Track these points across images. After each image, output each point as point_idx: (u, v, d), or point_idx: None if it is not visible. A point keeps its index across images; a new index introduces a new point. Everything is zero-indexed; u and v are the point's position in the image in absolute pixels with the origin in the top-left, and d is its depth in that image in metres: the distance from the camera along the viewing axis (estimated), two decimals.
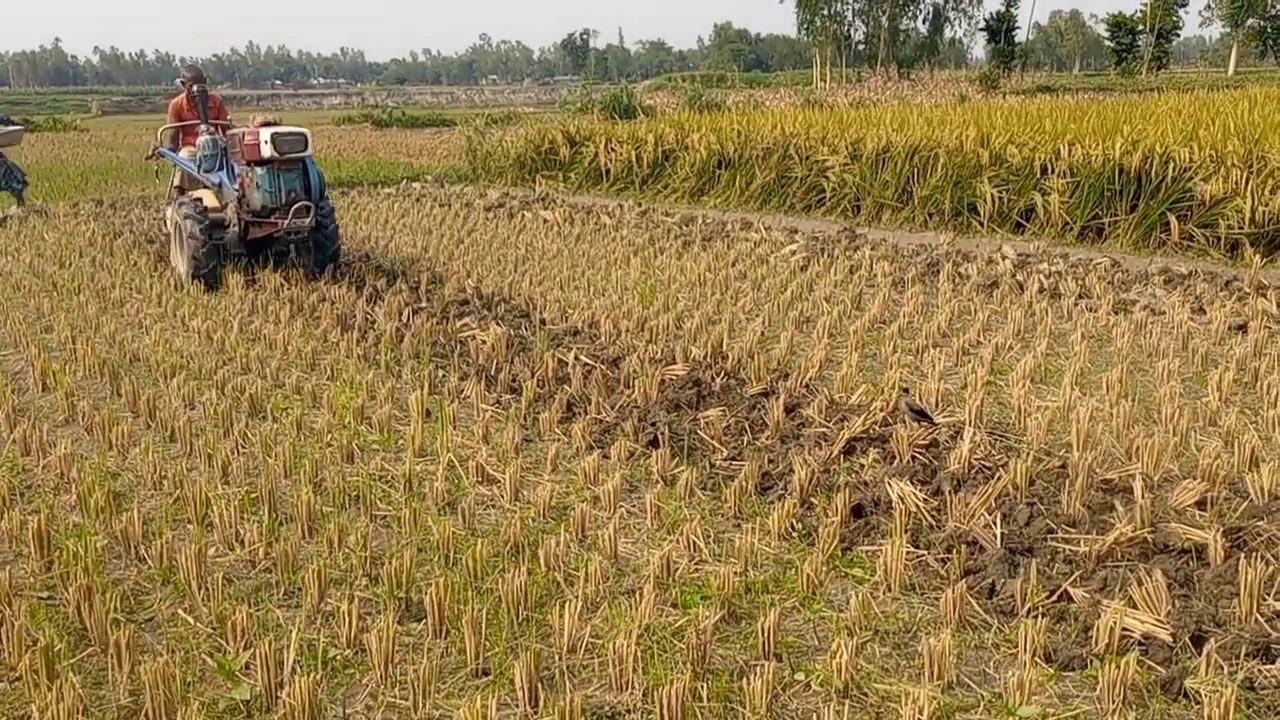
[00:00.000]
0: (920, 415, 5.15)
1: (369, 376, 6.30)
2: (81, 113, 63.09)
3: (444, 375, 6.36)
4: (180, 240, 9.49)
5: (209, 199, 9.61)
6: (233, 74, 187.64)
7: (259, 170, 9.08)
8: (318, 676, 3.09)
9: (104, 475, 4.85)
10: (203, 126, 10.21)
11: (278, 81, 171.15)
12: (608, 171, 16.77)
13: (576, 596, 3.60)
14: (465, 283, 9.10)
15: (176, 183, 10.82)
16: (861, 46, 78.44)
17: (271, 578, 3.89)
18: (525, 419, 5.58)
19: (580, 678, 3.23)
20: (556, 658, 3.32)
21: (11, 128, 15.69)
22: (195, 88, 10.63)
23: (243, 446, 5.26)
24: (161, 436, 5.48)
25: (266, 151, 8.93)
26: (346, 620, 3.44)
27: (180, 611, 3.66)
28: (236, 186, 9.30)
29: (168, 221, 10.54)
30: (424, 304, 8.29)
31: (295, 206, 9.08)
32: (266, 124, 9.23)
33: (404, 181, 18.29)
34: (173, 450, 5.29)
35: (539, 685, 3.09)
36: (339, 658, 3.36)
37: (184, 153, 10.64)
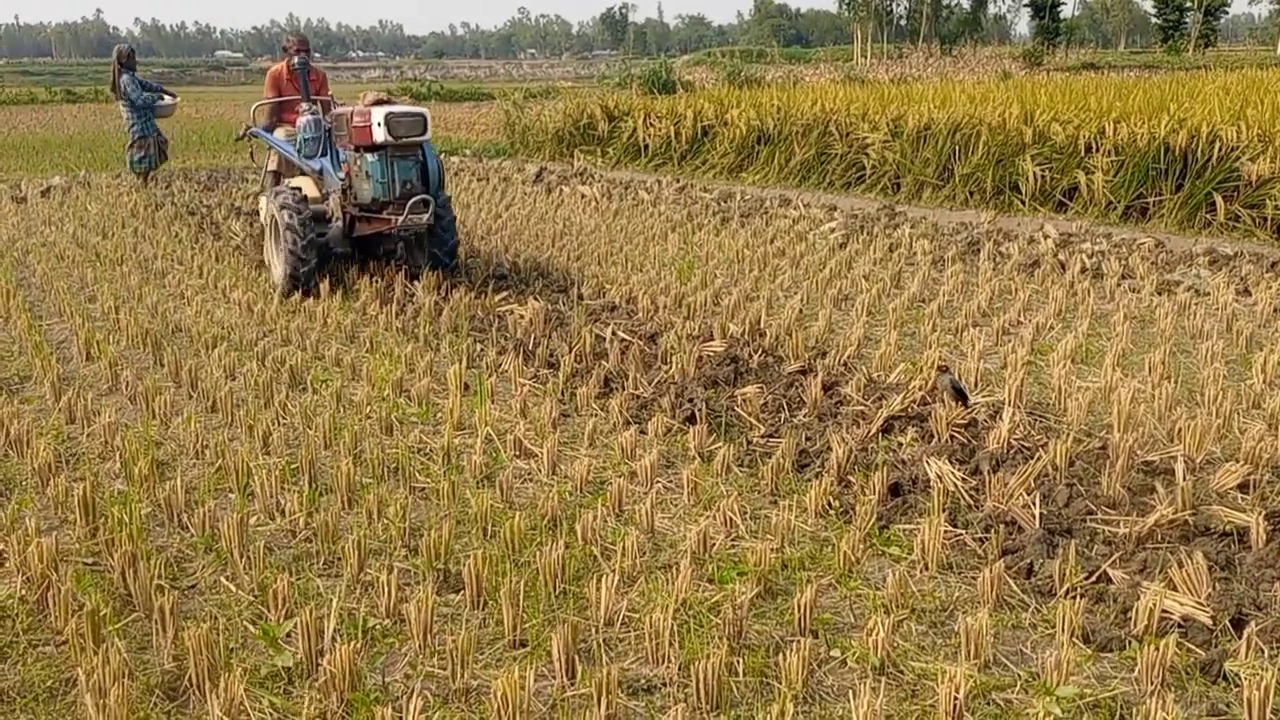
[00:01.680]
0: (959, 394, 5.12)
1: (408, 350, 6.34)
2: None
3: (482, 349, 6.39)
4: (276, 236, 8.12)
5: (309, 188, 8.47)
6: (272, 47, 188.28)
7: (369, 157, 7.65)
8: (357, 645, 3.12)
9: (147, 444, 4.91)
10: (304, 105, 8.79)
11: (317, 54, 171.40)
12: (646, 147, 16.73)
13: (613, 570, 3.61)
14: (503, 257, 9.12)
15: (272, 168, 9.66)
16: (903, 22, 77.82)
17: (312, 547, 3.93)
18: (563, 394, 5.59)
19: (617, 650, 3.25)
20: (593, 630, 3.34)
21: (168, 100, 15.48)
22: (298, 58, 9.25)
23: (283, 417, 5.31)
24: (203, 406, 5.53)
25: (379, 135, 7.48)
26: (386, 590, 3.47)
27: (222, 579, 3.71)
28: (342, 175, 8.06)
29: (262, 214, 9.04)
30: (462, 278, 8.32)
31: (412, 200, 7.58)
32: (379, 102, 7.87)
33: (440, 155, 18.30)
34: (214, 420, 5.35)
35: (576, 657, 3.11)
36: (378, 627, 3.40)
37: (280, 133, 9.63)
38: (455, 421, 5.16)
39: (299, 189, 8.18)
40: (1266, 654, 3.09)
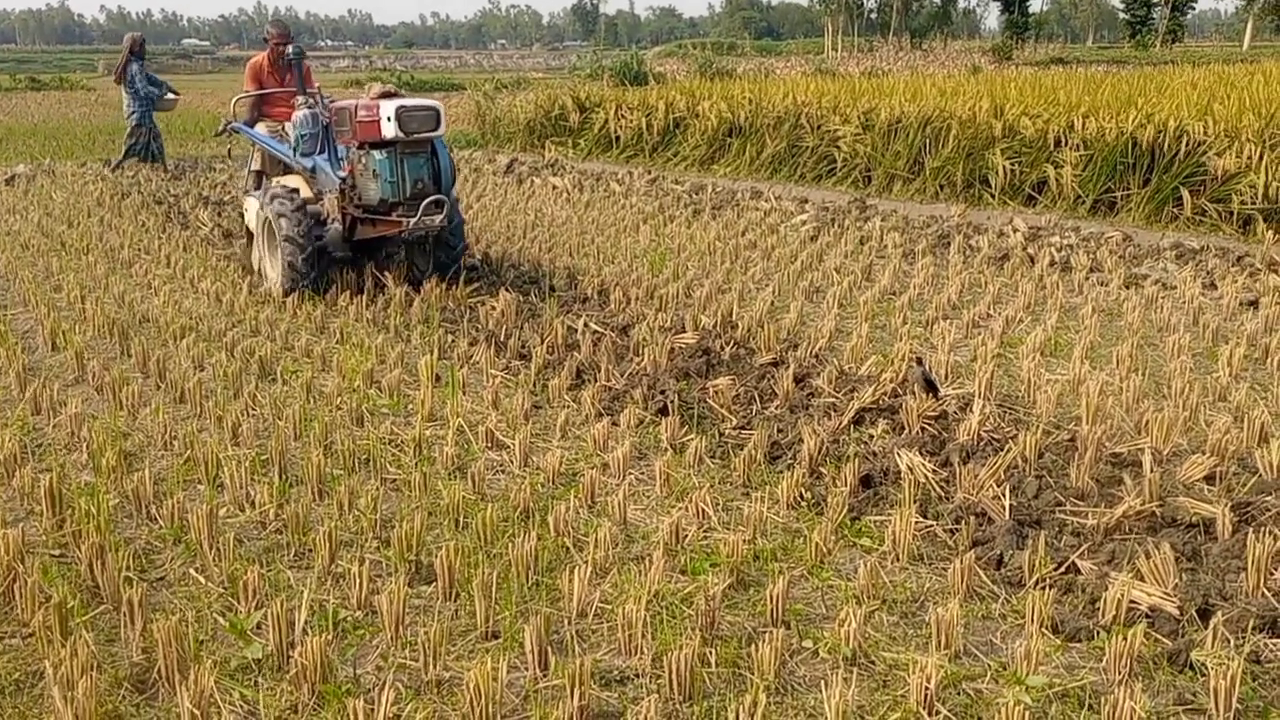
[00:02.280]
0: (930, 386, 5.14)
1: (378, 341, 6.32)
2: (88, 72, 62.88)
3: (453, 341, 6.36)
4: (271, 241, 7.60)
5: (301, 188, 7.85)
6: (240, 35, 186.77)
7: (377, 155, 7.07)
8: (329, 637, 3.11)
9: (115, 435, 4.86)
10: (300, 98, 8.01)
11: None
12: (618, 138, 16.71)
13: (586, 562, 3.61)
14: (474, 248, 9.09)
15: (256, 166, 8.99)
16: (874, 15, 78.09)
17: (282, 539, 3.91)
18: (535, 385, 5.58)
19: (590, 642, 3.25)
20: (566, 622, 3.34)
21: (170, 95, 15.57)
22: (290, 48, 8.32)
23: (252, 409, 5.27)
24: (171, 397, 5.49)
25: (389, 130, 6.93)
26: (357, 582, 3.46)
27: (192, 571, 3.68)
28: (343, 173, 7.43)
29: (248, 216, 8.44)
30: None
31: (426, 201, 7.07)
32: (386, 94, 7.34)
33: None
34: (183, 411, 5.30)
35: (549, 648, 3.11)
36: (350, 619, 3.38)
37: (262, 127, 9.04)
38: (426, 413, 5.14)
39: (295, 191, 7.59)
40: (1232, 644, 3.13)
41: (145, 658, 3.14)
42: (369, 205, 7.28)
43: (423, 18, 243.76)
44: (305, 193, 7.72)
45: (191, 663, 3.02)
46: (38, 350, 6.39)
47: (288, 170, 8.38)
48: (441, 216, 7.18)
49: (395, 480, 4.45)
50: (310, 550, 3.79)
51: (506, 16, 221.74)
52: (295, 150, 7.94)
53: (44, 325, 6.65)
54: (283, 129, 8.66)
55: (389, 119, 6.91)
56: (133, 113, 15.05)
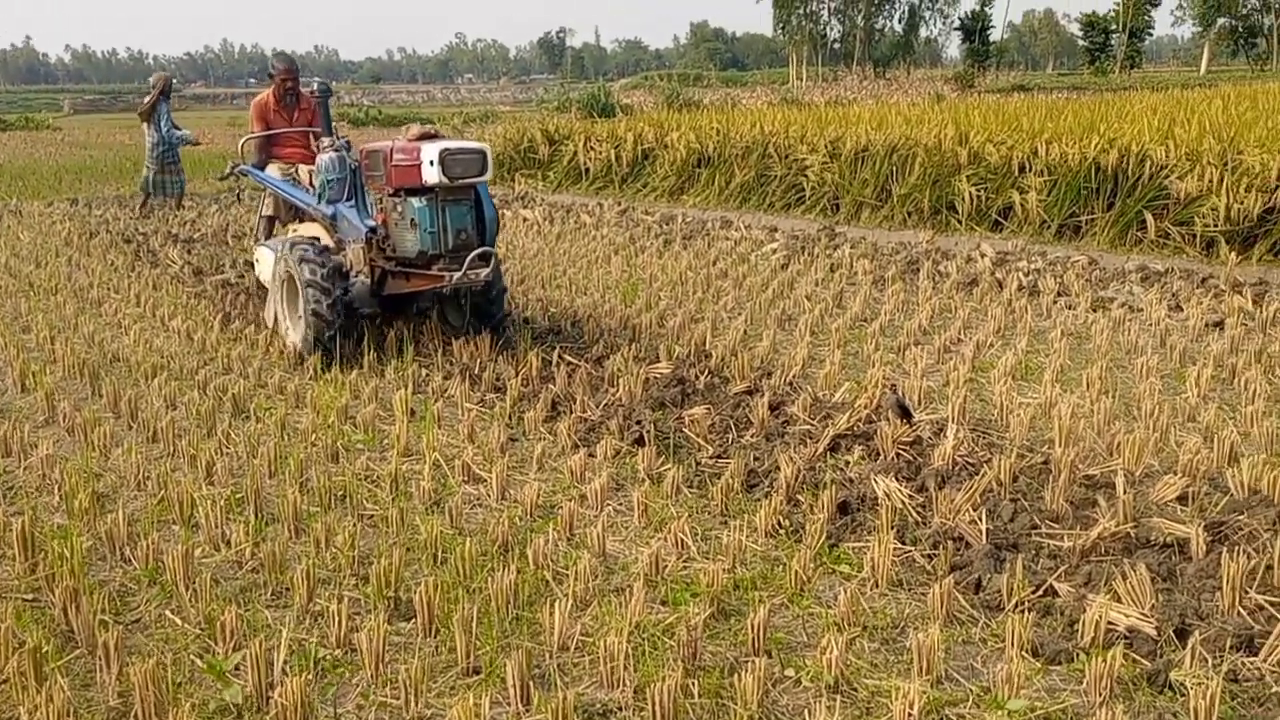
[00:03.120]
0: (904, 412, 5.17)
1: (352, 376, 6.29)
2: (54, 111, 62.63)
3: (427, 374, 6.35)
4: (290, 294, 6.95)
5: (322, 236, 7.29)
6: (206, 72, 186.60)
7: (415, 202, 6.39)
8: (308, 677, 3.09)
9: (87, 476, 4.82)
10: (326, 139, 7.30)
11: (252, 80, 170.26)
12: (587, 170, 16.77)
13: (566, 595, 3.61)
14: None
15: (268, 212, 8.61)
16: (837, 45, 78.81)
17: (259, 578, 3.88)
18: (510, 418, 5.58)
19: (572, 675, 3.24)
20: (547, 656, 3.33)
21: (184, 133, 15.61)
22: (316, 86, 7.64)
23: (226, 447, 5.24)
24: (144, 437, 5.45)
25: (431, 176, 6.28)
26: (336, 620, 3.43)
27: (168, 612, 3.65)
28: (372, 222, 6.82)
29: (260, 268, 7.76)
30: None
31: (473, 254, 6.36)
32: (425, 135, 6.59)
33: None
34: (155, 451, 5.27)
35: (530, 683, 3.09)
36: (329, 658, 3.36)
37: (273, 169, 8.40)
38: (402, 448, 5.13)
39: (316, 239, 7.01)
40: (1210, 663, 3.15)
41: (122, 702, 3.11)
42: (405, 258, 6.61)
43: (389, 53, 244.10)
44: (325, 242, 7.14)
45: (169, 706, 2.99)
46: (7, 392, 6.33)
47: (301, 216, 7.96)
48: (488, 271, 6.49)
49: (372, 516, 4.43)
50: (288, 589, 3.76)
51: (473, 51, 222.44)
52: (320, 196, 7.25)
53: (13, 366, 6.60)
54: (295, 171, 8.22)
55: (431, 163, 6.26)
56: (162, 152, 15.04)
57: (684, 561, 3.93)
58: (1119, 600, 3.46)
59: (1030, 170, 11.15)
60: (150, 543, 4.00)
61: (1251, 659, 3.17)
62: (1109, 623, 3.34)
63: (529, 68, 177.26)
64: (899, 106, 20.28)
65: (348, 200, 7.08)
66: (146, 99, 15.23)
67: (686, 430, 5.23)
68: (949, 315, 7.68)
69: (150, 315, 8.22)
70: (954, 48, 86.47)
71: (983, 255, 9.88)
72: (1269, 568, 3.60)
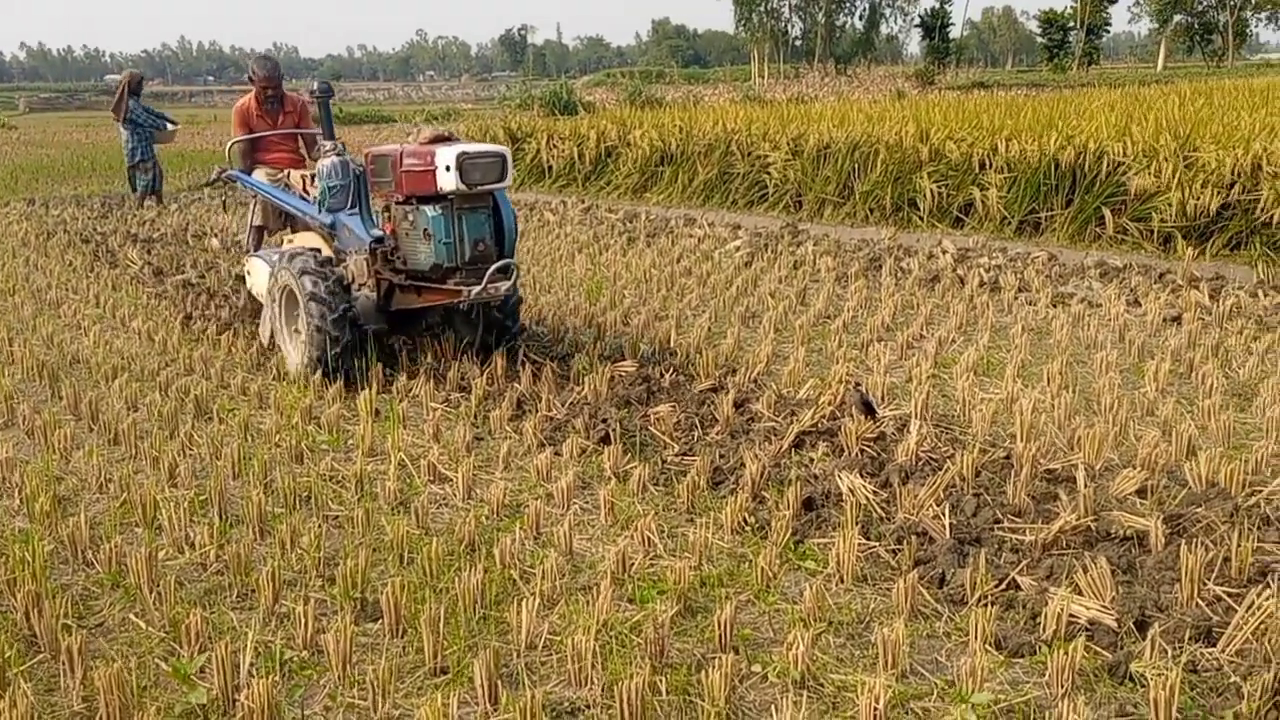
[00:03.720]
0: (868, 408, 5.21)
1: (316, 376, 6.26)
2: (9, 110, 61.75)
3: (392, 374, 6.32)
4: (287, 310, 6.48)
5: (322, 247, 6.73)
6: (164, 70, 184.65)
7: (429, 210, 5.94)
8: (275, 678, 3.08)
9: (48, 479, 4.77)
10: (328, 143, 6.71)
11: (210, 78, 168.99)
12: (550, 168, 16.76)
13: (533, 594, 3.61)
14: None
15: (258, 221, 8.14)
16: (799, 42, 79.15)
17: (224, 580, 3.86)
18: (476, 417, 5.57)
19: (539, 674, 3.25)
20: (515, 655, 3.33)
21: (170, 126, 15.56)
22: (317, 87, 6.86)
23: (189, 448, 5.20)
24: (105, 440, 5.40)
25: (448, 182, 5.82)
26: (302, 621, 3.42)
27: (132, 616, 3.62)
28: (379, 232, 6.30)
29: (253, 281, 7.26)
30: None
31: (494, 268, 5.93)
32: (439, 138, 6.17)
33: None
34: (117, 453, 5.22)
35: (498, 683, 3.09)
36: (296, 659, 3.35)
37: (260, 175, 7.88)
38: (367, 448, 5.11)
39: (317, 250, 6.55)
40: (1169, 654, 3.20)
41: (86, 707, 3.09)
42: (417, 271, 6.15)
43: (350, 50, 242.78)
44: (325, 253, 6.64)
45: (134, 710, 2.97)
46: None
47: (293, 225, 7.53)
48: (509, 285, 6.07)
49: (338, 517, 4.42)
50: (253, 591, 3.75)
51: (434, 48, 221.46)
52: (321, 204, 6.63)
53: None
54: (284, 176, 7.72)
55: (448, 168, 5.80)
56: (134, 148, 15.08)
57: (651, 559, 3.94)
58: (1080, 593, 3.50)
59: (990, 167, 11.25)
60: (113, 546, 3.97)
61: (1210, 649, 3.22)
62: (1070, 615, 3.38)
63: (491, 65, 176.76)
64: (860, 104, 20.39)
65: (350, 208, 6.52)
66: (116, 98, 15.21)
67: (652, 428, 5.24)
68: (911, 312, 7.74)
69: (110, 316, 8.15)
70: (914, 45, 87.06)
71: (944, 252, 9.96)
72: (1226, 559, 3.66)
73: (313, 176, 6.99)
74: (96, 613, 3.69)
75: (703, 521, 4.14)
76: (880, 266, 9.35)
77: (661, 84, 48.94)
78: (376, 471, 4.87)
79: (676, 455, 4.96)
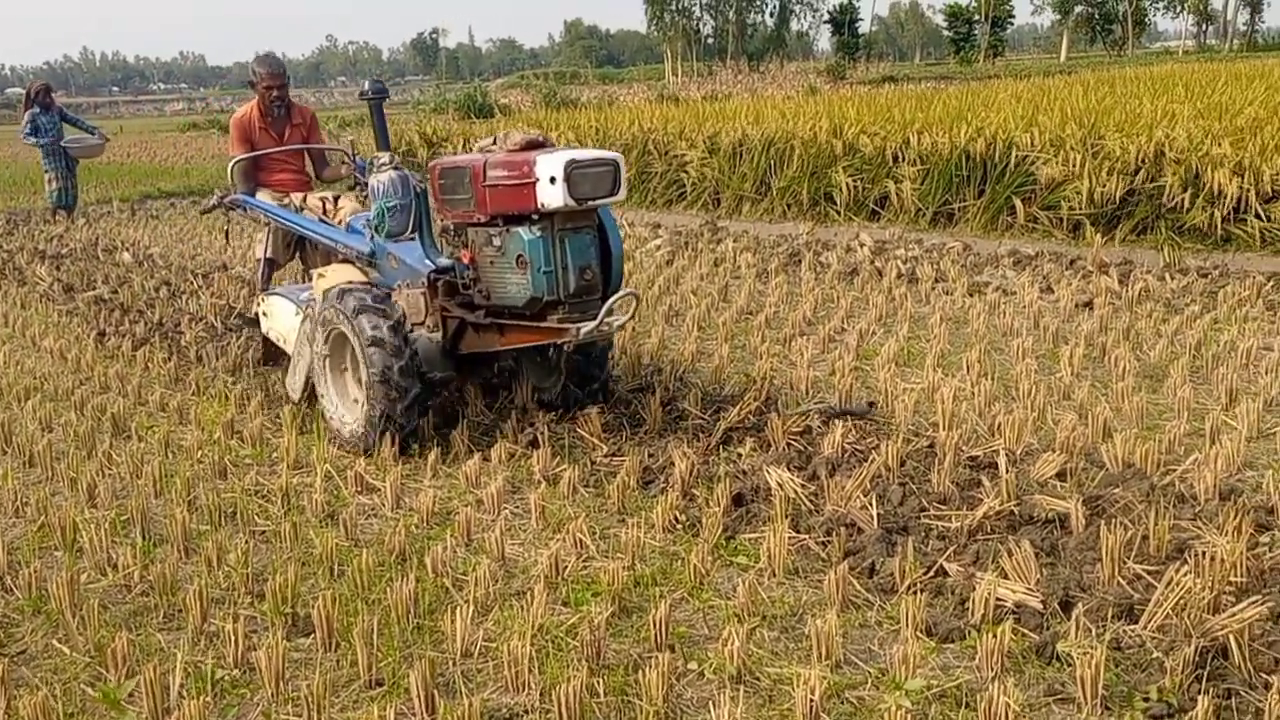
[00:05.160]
0: (855, 414, 5.28)
1: (237, 390, 6.16)
2: None
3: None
4: (333, 361, 5.37)
5: (353, 278, 5.53)
6: (67, 81, 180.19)
7: (524, 233, 4.85)
8: (206, 699, 3.03)
9: None
10: (383, 155, 5.73)
11: (115, 89, 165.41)
12: None
13: (467, 601, 3.60)
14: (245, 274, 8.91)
15: (269, 253, 7.09)
16: (711, 40, 79.55)
17: (150, 601, 3.79)
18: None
19: (476, 681, 3.24)
20: (451, 664, 3.32)
21: (93, 140, 15.01)
22: (369, 86, 5.94)
23: (108, 468, 5.10)
24: (19, 462, 5.27)
25: (554, 198, 4.71)
26: (232, 640, 3.37)
27: (55, 642, 3.54)
28: (445, 260, 5.37)
29: (272, 324, 6.18)
30: None
31: (618, 296, 4.93)
32: (534, 144, 5.04)
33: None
34: (33, 475, 5.11)
35: (435, 692, 3.08)
36: (227, 678, 3.30)
37: (264, 198, 6.86)
38: (292, 461, 5.05)
39: (369, 284, 5.40)
40: (1094, 633, 3.28)
41: None
42: (506, 305, 5.09)
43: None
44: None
45: None
46: None
47: (302, 255, 6.86)
48: (626, 319, 5.13)
49: (265, 532, 4.36)
50: (180, 610, 3.68)
51: (345, 53, 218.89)
52: (378, 228, 5.57)
53: None
54: (288, 201, 6.69)
55: (553, 180, 4.70)
56: (45, 163, 14.68)
57: (584, 561, 3.95)
58: (1006, 577, 3.57)
59: (904, 160, 11.41)
60: (32, 570, 3.89)
61: (1132, 626, 3.31)
62: (998, 599, 3.45)
63: (403, 69, 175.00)
64: (774, 100, 20.57)
65: (410, 235, 5.56)
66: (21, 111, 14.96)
67: (580, 430, 5.24)
68: (832, 305, 7.83)
69: (20, 335, 7.95)
70: (824, 41, 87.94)
71: (862, 245, 10.09)
72: (1144, 538, 3.76)
73: (336, 198, 6.39)
74: (18, 640, 3.61)
75: (634, 521, 4.15)
76: (800, 261, 9.44)
77: (576, 85, 48.92)
78: (303, 484, 4.82)
79: (606, 456, 4.97)
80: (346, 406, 5.30)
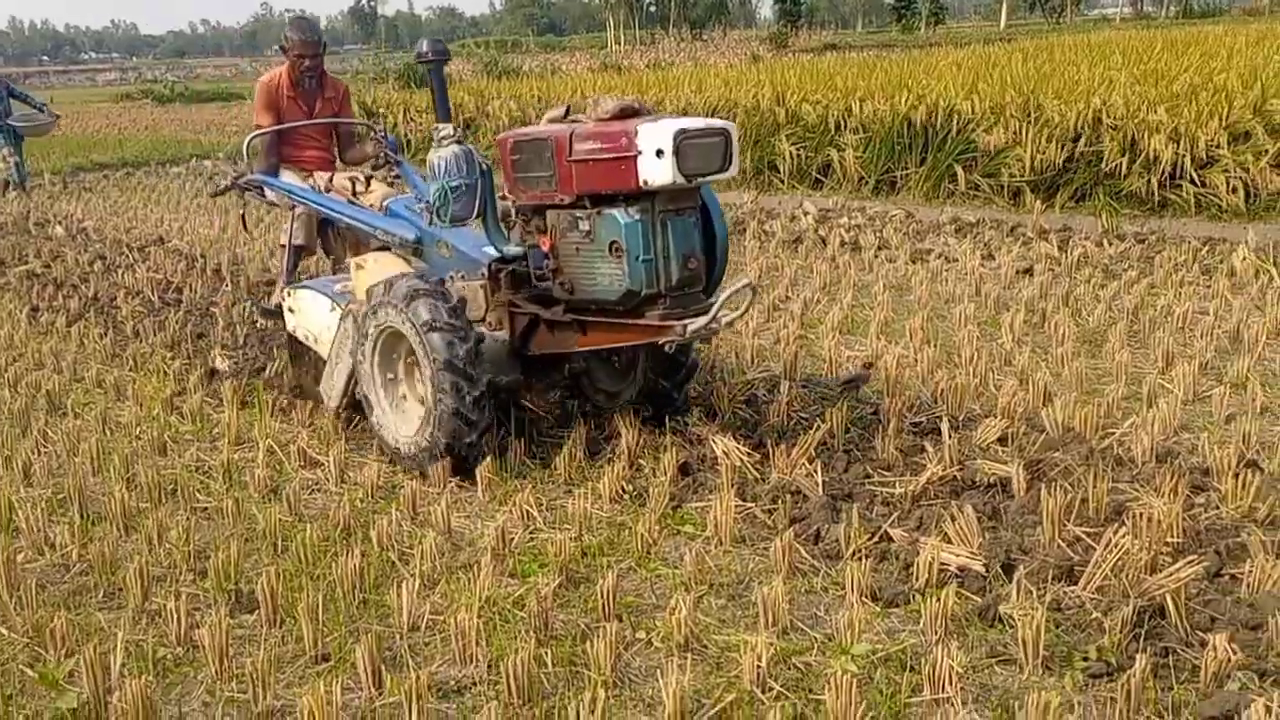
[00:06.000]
0: (855, 382, 5.32)
1: (176, 366, 6.07)
2: None
3: (256, 357, 6.17)
4: (381, 365, 4.65)
5: (398, 269, 4.94)
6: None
7: (619, 215, 4.10)
8: (148, 678, 2.99)
9: None
10: (444, 127, 4.69)
11: (45, 58, 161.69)
12: (408, 141, 16.49)
13: (413, 574, 3.58)
14: (269, 262, 8.83)
15: (298, 240, 6.43)
16: (653, 8, 79.08)
17: (89, 580, 3.74)
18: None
19: (423, 655, 3.22)
20: (398, 637, 3.30)
21: (43, 118, 14.60)
22: (426, 46, 4.74)
23: (44, 445, 5.01)
24: None
25: (660, 174, 3.95)
26: (174, 618, 3.33)
27: None
28: (515, 249, 4.60)
29: (301, 320, 5.35)
30: (229, 286, 8.01)
31: (734, 289, 4.14)
32: (629, 111, 4.27)
33: (193, 160, 17.61)
34: None
35: (382, 666, 3.06)
36: (170, 656, 3.26)
37: (289, 177, 6.30)
38: (234, 436, 4.99)
39: (438, 281, 4.56)
40: (1035, 595, 3.32)
41: None
42: (594, 299, 4.34)
43: (193, 25, 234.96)
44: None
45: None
46: None
47: (324, 240, 6.38)
48: (738, 316, 4.26)
49: (207, 508, 4.31)
50: (121, 589, 3.63)
51: (281, 21, 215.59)
52: (439, 211, 4.63)
53: None
54: (315, 182, 5.95)
55: (659, 153, 3.94)
56: None
57: (531, 533, 3.94)
58: (949, 541, 3.61)
59: (846, 128, 11.45)
60: None
61: (1072, 588, 3.36)
62: (941, 563, 3.48)
63: (341, 38, 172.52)
64: (717, 68, 20.52)
65: (476, 217, 4.70)
66: None
67: (527, 402, 5.22)
68: (776, 274, 7.84)
69: None
70: (767, 8, 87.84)
71: (805, 213, 10.12)
72: (1084, 501, 3.81)
73: (368, 179, 5.82)
74: None
75: (581, 492, 4.14)
76: (744, 230, 9.45)
77: (518, 53, 48.46)
78: (245, 460, 4.76)
79: (552, 428, 4.95)
80: (400, 418, 4.65)
